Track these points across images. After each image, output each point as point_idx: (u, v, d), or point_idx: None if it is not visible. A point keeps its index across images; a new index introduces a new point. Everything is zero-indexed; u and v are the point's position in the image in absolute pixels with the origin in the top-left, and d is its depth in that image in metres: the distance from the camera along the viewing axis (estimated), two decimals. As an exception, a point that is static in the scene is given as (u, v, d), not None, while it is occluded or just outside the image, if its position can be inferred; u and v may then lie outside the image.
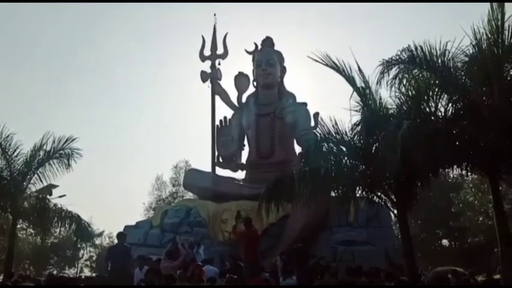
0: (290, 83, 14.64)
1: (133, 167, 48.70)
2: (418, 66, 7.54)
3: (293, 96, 14.02)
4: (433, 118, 7.47)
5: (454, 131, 7.25)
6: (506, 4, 7.03)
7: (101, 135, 51.34)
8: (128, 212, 41.58)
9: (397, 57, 7.64)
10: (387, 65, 7.64)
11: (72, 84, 53.86)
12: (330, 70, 8.08)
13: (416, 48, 7.47)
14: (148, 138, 51.70)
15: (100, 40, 56.57)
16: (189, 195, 29.84)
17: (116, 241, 10.02)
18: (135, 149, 50.98)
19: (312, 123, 12.68)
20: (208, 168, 13.95)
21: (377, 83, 7.73)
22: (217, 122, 14.33)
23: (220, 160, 14.11)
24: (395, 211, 7.91)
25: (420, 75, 7.65)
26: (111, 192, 47.86)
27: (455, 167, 7.70)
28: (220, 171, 14.07)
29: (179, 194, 30.20)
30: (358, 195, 7.97)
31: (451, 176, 20.14)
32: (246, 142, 14.22)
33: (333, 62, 7.94)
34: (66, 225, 11.17)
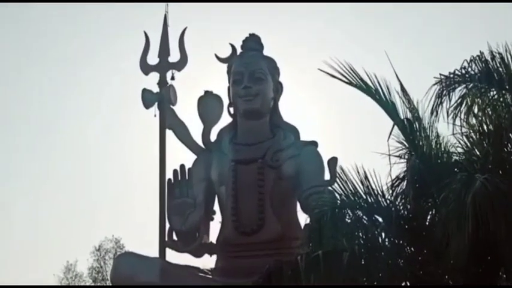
0: (290, 109, 14.82)
1: (26, 251, 47.94)
2: (497, 86, 7.80)
3: (295, 131, 14.14)
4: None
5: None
6: None
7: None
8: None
9: (463, 72, 7.91)
10: (447, 83, 7.89)
11: None
12: (354, 91, 8.34)
13: (493, 58, 7.76)
14: (51, 202, 51.16)
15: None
16: (120, 296, 29.64)
17: None
18: (27, 222, 50.32)
19: (327, 176, 12.81)
20: (155, 252, 13.91)
21: (432, 113, 7.98)
22: (169, 174, 14.40)
23: (174, 238, 14.09)
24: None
25: (501, 99, 7.90)
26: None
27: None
28: (174, 256, 14.04)
29: (104, 294, 29.91)
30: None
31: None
32: (217, 207, 14.28)
33: (360, 79, 8.21)
34: None
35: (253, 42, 14.53)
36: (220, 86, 14.72)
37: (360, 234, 8.13)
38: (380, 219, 8.19)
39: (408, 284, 7.98)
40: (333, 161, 12.65)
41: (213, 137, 14.63)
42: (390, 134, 8.22)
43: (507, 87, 7.79)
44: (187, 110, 14.84)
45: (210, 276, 13.32)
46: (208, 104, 14.75)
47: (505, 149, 7.69)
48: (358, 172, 8.29)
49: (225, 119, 14.64)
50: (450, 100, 8.00)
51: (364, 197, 8.23)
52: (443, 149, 8.18)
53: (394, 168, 8.17)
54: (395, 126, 8.20)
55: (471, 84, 7.94)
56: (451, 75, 8.02)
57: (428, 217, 7.96)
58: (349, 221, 8.33)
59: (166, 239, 14.08)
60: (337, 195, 8.50)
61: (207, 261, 14.12)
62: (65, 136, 52.91)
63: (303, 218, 12.89)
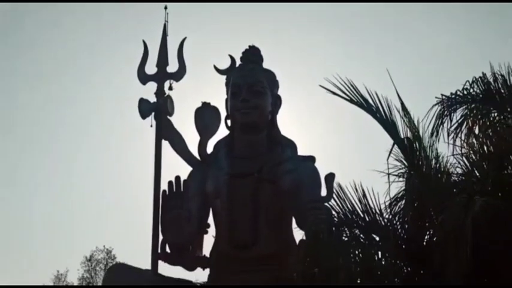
0: (288, 124, 14.87)
1: (15, 261, 47.83)
2: (498, 107, 7.88)
3: (292, 146, 14.15)
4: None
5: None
6: None
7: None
8: None
9: (465, 93, 7.99)
10: (448, 104, 7.98)
11: None
12: (354, 108, 8.39)
13: (495, 79, 7.85)
14: (43, 211, 51.11)
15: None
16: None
17: None
18: (18, 231, 50.22)
19: (324, 192, 12.83)
20: (147, 264, 13.91)
21: (432, 133, 8.05)
22: (163, 186, 14.41)
23: (167, 250, 14.08)
24: None
25: (502, 121, 7.97)
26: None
27: None
28: (167, 269, 14.04)
29: (93, 305, 29.94)
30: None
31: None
32: (211, 220, 14.29)
33: (361, 96, 8.28)
34: None
35: (252, 55, 14.52)
36: (219, 97, 14.81)
37: (357, 252, 8.12)
38: (377, 239, 8.23)
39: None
40: (330, 177, 12.61)
41: (210, 149, 14.70)
42: (390, 152, 8.26)
43: (509, 109, 7.87)
44: (184, 121, 14.90)
45: (203, 291, 13.36)
46: (205, 116, 14.75)
47: (505, 171, 7.73)
48: (356, 190, 8.37)
49: (222, 131, 14.72)
50: (451, 120, 8.12)
51: (362, 215, 8.28)
52: (442, 170, 8.21)
53: (393, 187, 8.23)
54: (395, 145, 8.24)
55: (473, 105, 8.04)
56: (453, 96, 8.12)
57: (426, 238, 7.99)
58: (346, 239, 8.38)
59: (159, 251, 14.09)
60: (334, 212, 8.55)
61: (200, 275, 14.16)
62: (59, 145, 52.97)
63: (299, 234, 13.01)
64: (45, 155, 54.75)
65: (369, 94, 8.24)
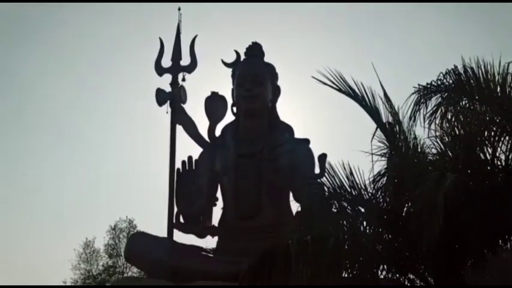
0: (286, 110, 14.84)
1: (50, 228, 48.02)
2: (468, 95, 7.87)
3: (290, 130, 14.18)
4: (489, 169, 7.75)
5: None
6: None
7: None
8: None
9: (439, 83, 7.96)
10: (425, 93, 7.96)
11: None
12: (343, 96, 8.37)
13: (465, 71, 7.82)
14: (74, 185, 51.22)
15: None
16: (133, 271, 29.68)
17: None
18: (53, 201, 50.42)
19: (317, 170, 12.84)
20: (163, 232, 13.94)
21: (410, 118, 8.03)
22: (178, 164, 14.41)
23: (181, 220, 14.11)
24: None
25: (471, 108, 7.94)
26: (15, 265, 46.93)
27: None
28: (181, 237, 14.07)
29: (118, 269, 29.97)
30: (381, 277, 8.10)
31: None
32: (219, 194, 14.30)
33: (348, 86, 8.26)
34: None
35: (255, 50, 14.53)
36: (225, 87, 14.78)
37: (344, 222, 8.16)
38: (362, 210, 8.25)
39: (385, 267, 8.01)
40: (322, 157, 12.68)
41: (218, 132, 14.69)
42: (373, 135, 8.27)
43: (477, 97, 7.84)
44: (195, 108, 14.88)
45: (212, 255, 13.38)
46: (214, 104, 14.76)
47: (474, 152, 7.72)
48: (344, 168, 8.35)
49: (229, 117, 14.70)
50: (427, 107, 8.09)
51: (349, 190, 8.28)
52: (419, 150, 8.20)
53: (376, 165, 8.22)
54: (378, 129, 8.22)
55: (446, 94, 8.01)
56: (428, 86, 8.09)
57: (405, 209, 7.98)
58: (335, 210, 8.40)
59: (174, 221, 14.14)
60: (325, 188, 8.52)
61: (210, 242, 14.19)
62: (91, 131, 53.20)
63: (295, 207, 13.02)
64: (78, 139, 54.87)
65: (355, 84, 8.23)
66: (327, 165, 8.96)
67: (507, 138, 7.66)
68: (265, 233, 12.43)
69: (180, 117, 14.64)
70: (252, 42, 14.56)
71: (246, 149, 13.76)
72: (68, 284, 30.51)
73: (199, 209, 14.01)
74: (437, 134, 8.12)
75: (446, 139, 8.03)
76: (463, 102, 7.99)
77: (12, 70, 51.50)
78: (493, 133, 7.69)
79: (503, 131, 7.66)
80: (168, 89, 14.75)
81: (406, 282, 8.08)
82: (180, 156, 14.47)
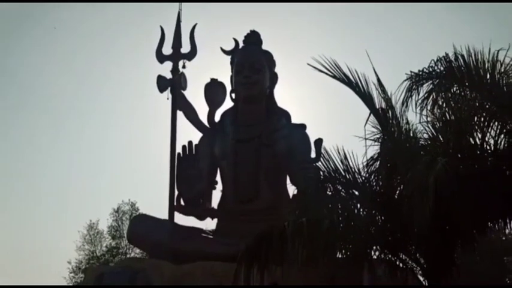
0: (283, 97, 14.92)
1: (55, 210, 48.23)
2: (458, 82, 7.94)
3: (287, 116, 14.28)
4: (479, 153, 7.87)
5: (508, 172, 7.65)
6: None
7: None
8: (46, 276, 40.94)
9: (430, 70, 8.03)
10: (417, 79, 8.03)
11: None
12: (337, 83, 8.46)
13: (456, 58, 7.89)
14: (78, 170, 51.34)
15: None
16: (136, 252, 29.80)
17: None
18: (58, 185, 50.61)
19: (313, 154, 12.96)
20: (164, 215, 14.09)
21: (403, 104, 8.11)
22: (178, 149, 14.53)
23: (182, 203, 14.25)
24: (426, 281, 8.18)
25: (462, 94, 8.04)
26: (22, 246, 47.21)
27: (510, 221, 8.03)
28: (181, 219, 14.21)
29: (121, 250, 30.13)
30: (374, 257, 8.28)
31: (505, 233, 20.46)
32: (219, 178, 14.43)
33: (343, 73, 8.32)
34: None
35: (253, 38, 14.59)
36: (224, 74, 14.87)
37: (339, 205, 8.31)
38: (356, 193, 8.36)
39: (378, 247, 8.14)
40: (318, 142, 12.80)
41: (217, 118, 14.79)
42: (367, 120, 8.34)
43: (467, 84, 7.92)
44: (195, 95, 14.97)
45: (211, 237, 13.53)
46: (213, 90, 14.85)
47: (464, 137, 7.81)
48: (339, 152, 8.44)
49: (228, 103, 14.80)
50: (419, 93, 8.17)
51: (343, 174, 8.38)
52: (411, 135, 8.29)
53: (370, 150, 8.32)
54: (372, 114, 8.30)
55: (437, 81, 8.08)
56: (420, 73, 8.16)
57: (397, 192, 8.08)
58: (330, 193, 8.51)
59: (175, 204, 14.28)
60: (320, 171, 8.62)
61: (209, 224, 14.35)
62: (96, 112, 53.29)
63: (292, 190, 13.12)
64: (82, 123, 54.99)
65: (350, 71, 8.28)
66: (322, 149, 9.06)
67: (496, 123, 7.77)
68: (264, 215, 12.57)
69: (180, 103, 14.74)
70: (250, 31, 14.62)
71: (244, 134, 13.87)
72: (73, 264, 30.72)
73: (199, 192, 14.14)
74: (429, 119, 8.22)
75: (438, 124, 8.12)
76: (454, 89, 8.07)
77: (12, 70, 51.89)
78: (482, 118, 7.79)
79: (493, 116, 7.78)
80: (168, 75, 14.86)
81: (398, 263, 8.22)
82: (181, 141, 14.61)
